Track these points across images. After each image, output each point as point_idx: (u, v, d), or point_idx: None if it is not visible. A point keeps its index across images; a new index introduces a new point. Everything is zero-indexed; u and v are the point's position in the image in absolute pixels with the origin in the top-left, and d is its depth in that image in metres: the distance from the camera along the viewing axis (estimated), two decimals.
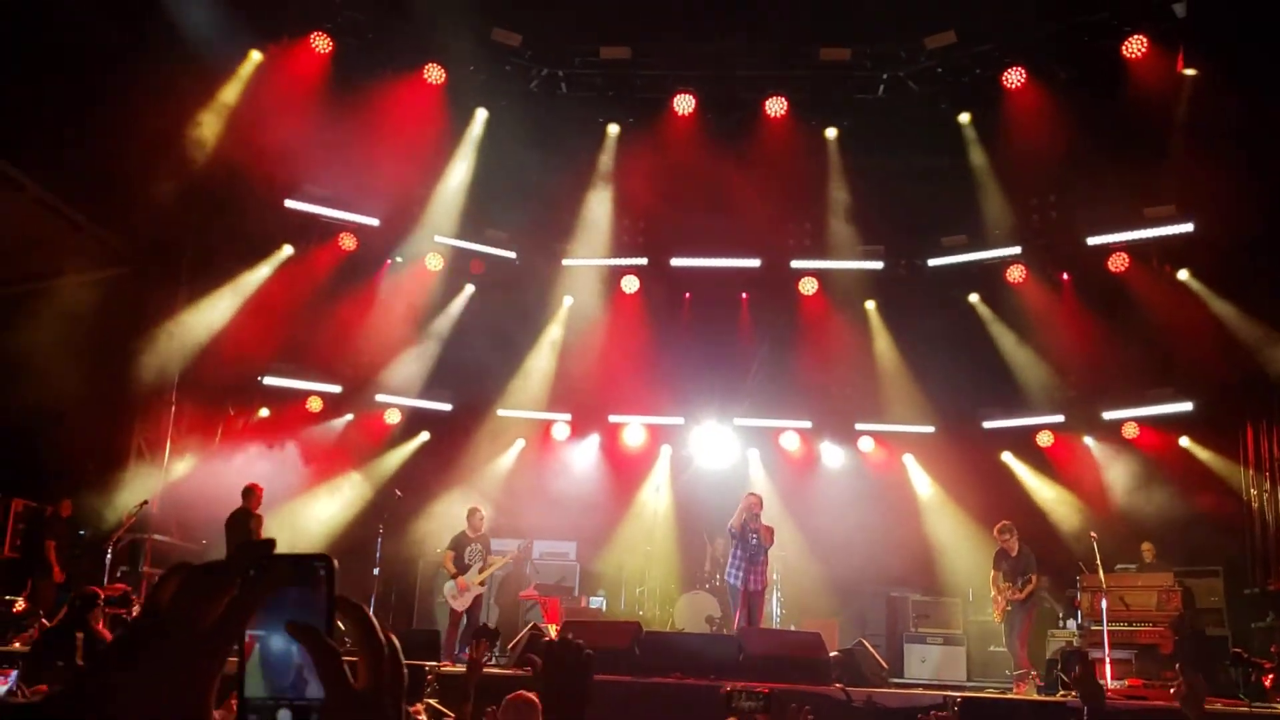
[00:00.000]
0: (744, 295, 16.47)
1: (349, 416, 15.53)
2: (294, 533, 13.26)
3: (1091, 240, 14.61)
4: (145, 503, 12.74)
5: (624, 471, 16.23)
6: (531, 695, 6.81)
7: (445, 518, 14.88)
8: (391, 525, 13.28)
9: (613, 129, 15.75)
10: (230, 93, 13.41)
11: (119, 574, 12.45)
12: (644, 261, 16.48)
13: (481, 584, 12.40)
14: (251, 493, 12.03)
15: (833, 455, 16.04)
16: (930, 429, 15.64)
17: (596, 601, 14.40)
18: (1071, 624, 12.68)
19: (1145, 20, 13.34)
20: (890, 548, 13.99)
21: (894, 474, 15.75)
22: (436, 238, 15.41)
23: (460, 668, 9.19)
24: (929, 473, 15.61)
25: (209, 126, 13.22)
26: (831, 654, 10.96)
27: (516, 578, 13.62)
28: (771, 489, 15.07)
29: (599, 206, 15.94)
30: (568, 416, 16.74)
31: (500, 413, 16.17)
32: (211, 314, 13.93)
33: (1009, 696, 10.70)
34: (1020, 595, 11.60)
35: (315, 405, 15.14)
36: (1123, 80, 13.68)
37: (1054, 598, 13.46)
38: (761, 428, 16.14)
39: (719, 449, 16.01)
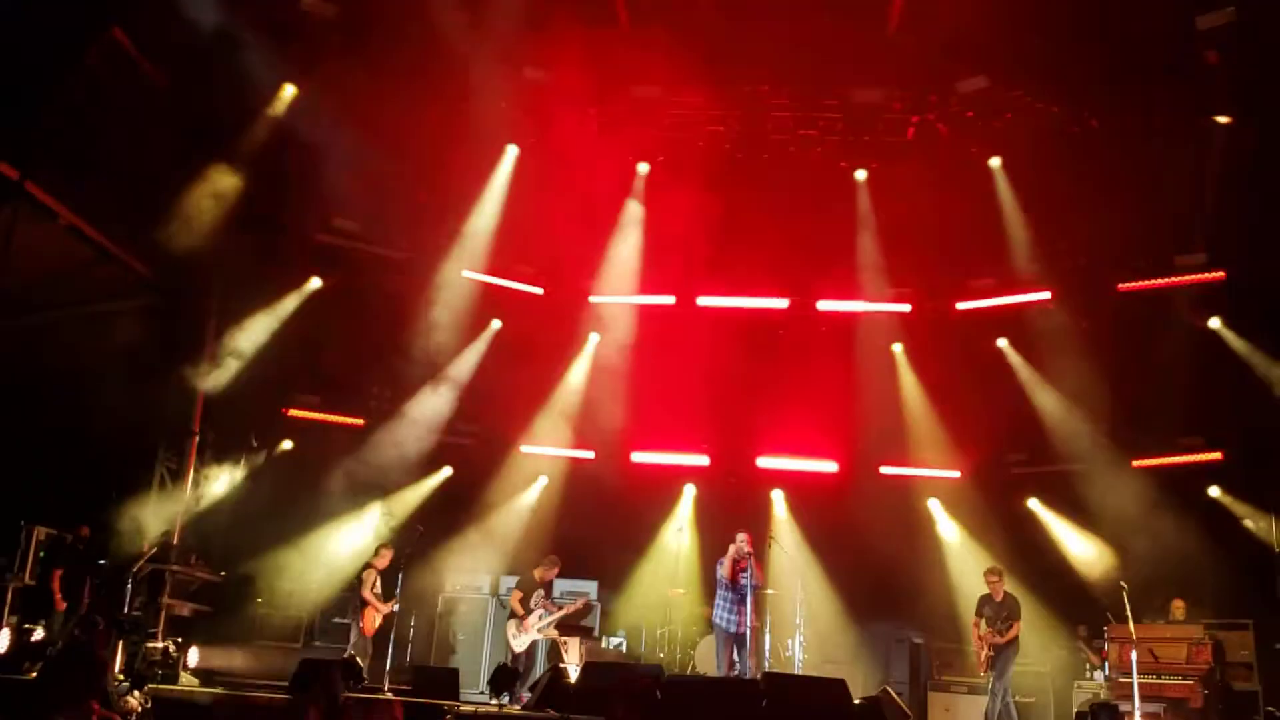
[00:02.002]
0: (772, 335, 16.39)
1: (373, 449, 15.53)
2: (318, 566, 13.19)
3: (1122, 286, 14.50)
4: (166, 533, 12.73)
5: (647, 511, 16.12)
6: None
7: (465, 553, 14.86)
8: (413, 560, 13.20)
9: (642, 167, 15.79)
10: (264, 124, 13.51)
11: (137, 604, 12.44)
12: (672, 300, 16.48)
13: (540, 631, 12.49)
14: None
15: (858, 498, 15.87)
16: (956, 473, 15.48)
17: (616, 642, 14.27)
18: (1099, 675, 12.48)
19: (1177, 67, 13.27)
20: (914, 593, 13.79)
21: (919, 518, 15.58)
22: (465, 272, 15.44)
23: (480, 707, 9.11)
24: (954, 517, 15.44)
25: (242, 158, 13.31)
26: (856, 702, 10.78)
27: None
28: (795, 531, 14.97)
29: (627, 244, 15.96)
30: (591, 454, 16.69)
31: (523, 449, 16.14)
32: (239, 344, 13.97)
33: None
34: (1003, 639, 11.33)
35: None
36: (1155, 126, 13.64)
37: (1088, 648, 13.27)
38: (786, 470, 16.00)
39: (743, 489, 15.89)
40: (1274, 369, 13.11)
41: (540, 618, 12.45)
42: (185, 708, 9.35)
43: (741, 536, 11.92)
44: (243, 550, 14.32)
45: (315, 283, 14.90)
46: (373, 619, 12.37)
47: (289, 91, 13.30)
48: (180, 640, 12.19)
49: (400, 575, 12.30)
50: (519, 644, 12.39)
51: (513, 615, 12.62)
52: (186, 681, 11.69)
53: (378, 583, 12.55)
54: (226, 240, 13.29)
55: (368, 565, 12.64)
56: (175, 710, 9.18)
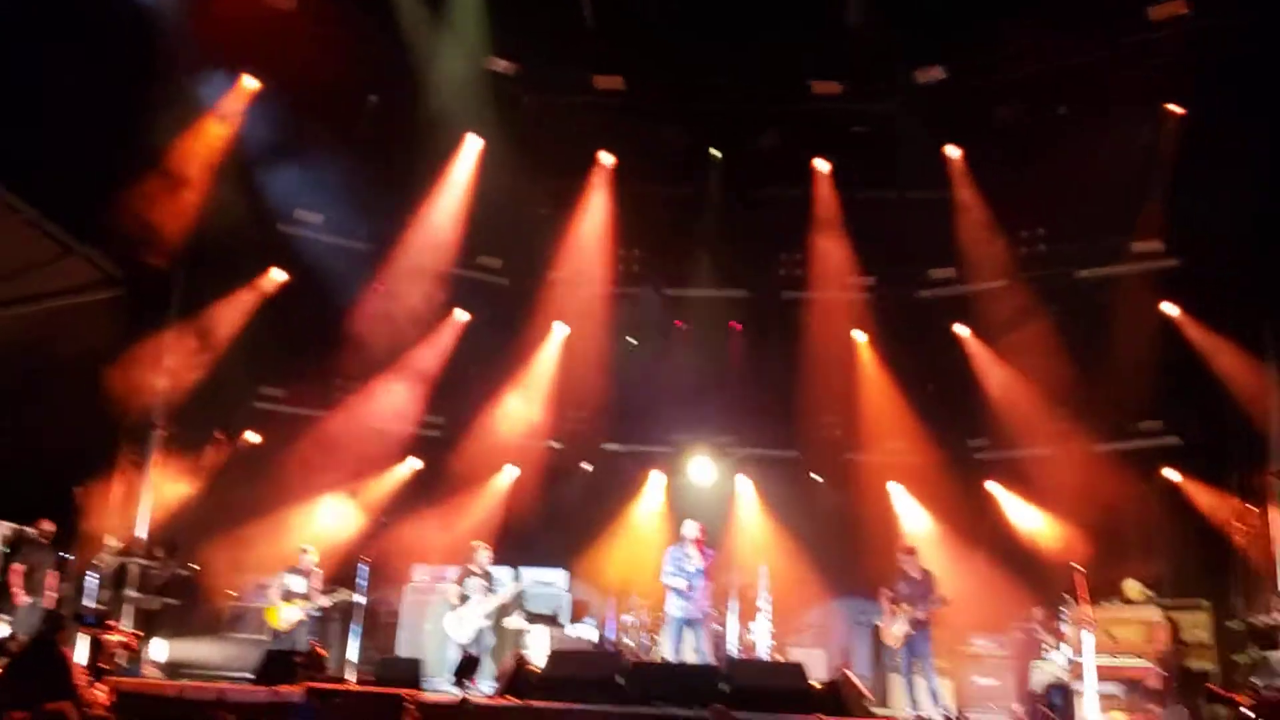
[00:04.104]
0: (736, 324, 16.50)
1: (336, 442, 15.54)
2: (280, 559, 13.20)
3: (1080, 273, 14.69)
4: (130, 526, 12.71)
5: (617, 499, 16.24)
6: None
7: (434, 545, 14.89)
8: (377, 551, 13.21)
9: (606, 158, 15.85)
10: (223, 117, 13.48)
11: (103, 598, 12.42)
12: (637, 290, 16.58)
13: (486, 618, 12.38)
14: None
15: (821, 483, 16.04)
16: (918, 458, 15.67)
17: (585, 630, 14.35)
18: (1058, 657, 12.65)
19: (1135, 59, 13.43)
20: (876, 576, 13.90)
21: (881, 503, 15.75)
22: (429, 264, 15.46)
23: (443, 696, 9.19)
24: (916, 501, 15.61)
25: (202, 150, 13.28)
26: (816, 684, 10.93)
27: (503, 607, 13.52)
28: (760, 517, 15.11)
29: (593, 234, 16.02)
30: (559, 444, 16.77)
31: (492, 439, 16.20)
32: (201, 337, 13.93)
33: None
34: (923, 616, 11.34)
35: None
36: (1113, 115, 13.81)
37: (1045, 629, 13.45)
38: (751, 456, 16.12)
39: (712, 476, 16.00)
40: (1228, 353, 13.26)
41: (478, 606, 12.34)
42: (148, 700, 9.38)
43: (690, 524, 12.00)
44: (210, 542, 14.28)
45: (278, 275, 14.88)
46: (276, 615, 12.41)
47: (249, 82, 13.25)
48: (141, 634, 12.19)
49: (364, 566, 12.29)
50: (461, 635, 12.29)
51: (453, 607, 12.49)
52: (150, 674, 11.70)
53: (295, 582, 12.52)
54: (188, 233, 13.27)
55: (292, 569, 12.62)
56: (138, 702, 9.21)
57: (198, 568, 14.03)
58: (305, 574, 12.58)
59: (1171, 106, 13.46)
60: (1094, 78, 13.85)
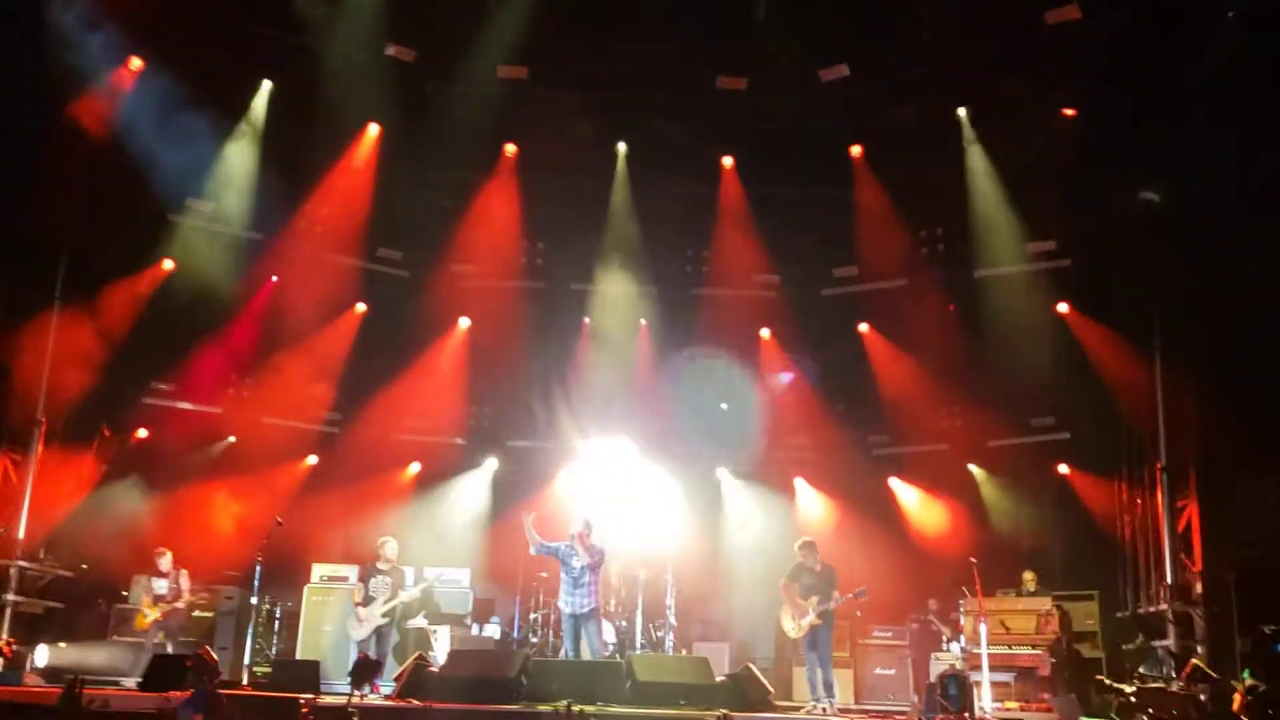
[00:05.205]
0: (643, 321, 16.47)
1: (231, 439, 15.12)
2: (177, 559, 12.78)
3: (978, 273, 15.00)
4: (8, 527, 12.19)
5: (521, 496, 16.06)
6: None
7: (333, 544, 14.58)
8: (275, 552, 12.84)
9: (510, 148, 15.67)
10: (110, 99, 12.97)
11: None
12: (543, 284, 16.45)
13: (384, 617, 12.11)
14: None
15: (727, 480, 16.13)
16: (821, 454, 15.85)
17: (490, 629, 14.18)
18: (954, 648, 12.92)
19: (1031, 62, 13.73)
20: (779, 570, 14.01)
21: (786, 498, 15.88)
22: (326, 254, 15.11)
23: (342, 700, 8.98)
24: (820, 496, 15.79)
25: (88, 132, 12.76)
26: (719, 679, 10.97)
27: (407, 607, 13.25)
28: (668, 512, 15.09)
29: (497, 227, 15.83)
30: (464, 440, 16.56)
31: (394, 435, 15.92)
32: (87, 329, 13.38)
33: None
34: (822, 607, 11.39)
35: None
36: (1011, 118, 14.11)
37: (941, 621, 13.71)
38: (660, 453, 16.09)
39: (618, 473, 15.92)
40: (1114, 350, 13.66)
41: (380, 605, 12.09)
42: (24, 710, 8.96)
43: (576, 518, 11.92)
44: (99, 543, 13.74)
45: (168, 266, 14.38)
46: (141, 618, 12.20)
47: (136, 64, 12.78)
48: (13, 641, 11.67)
49: (259, 568, 11.93)
50: (359, 634, 12.03)
51: (356, 605, 12.22)
52: (32, 682, 11.20)
53: (152, 584, 12.32)
54: (73, 222, 12.75)
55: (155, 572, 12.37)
56: (14, 713, 8.80)
57: (85, 566, 13.52)
58: (165, 576, 12.39)
59: (1065, 110, 13.76)
60: (991, 80, 14.13)
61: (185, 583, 12.48)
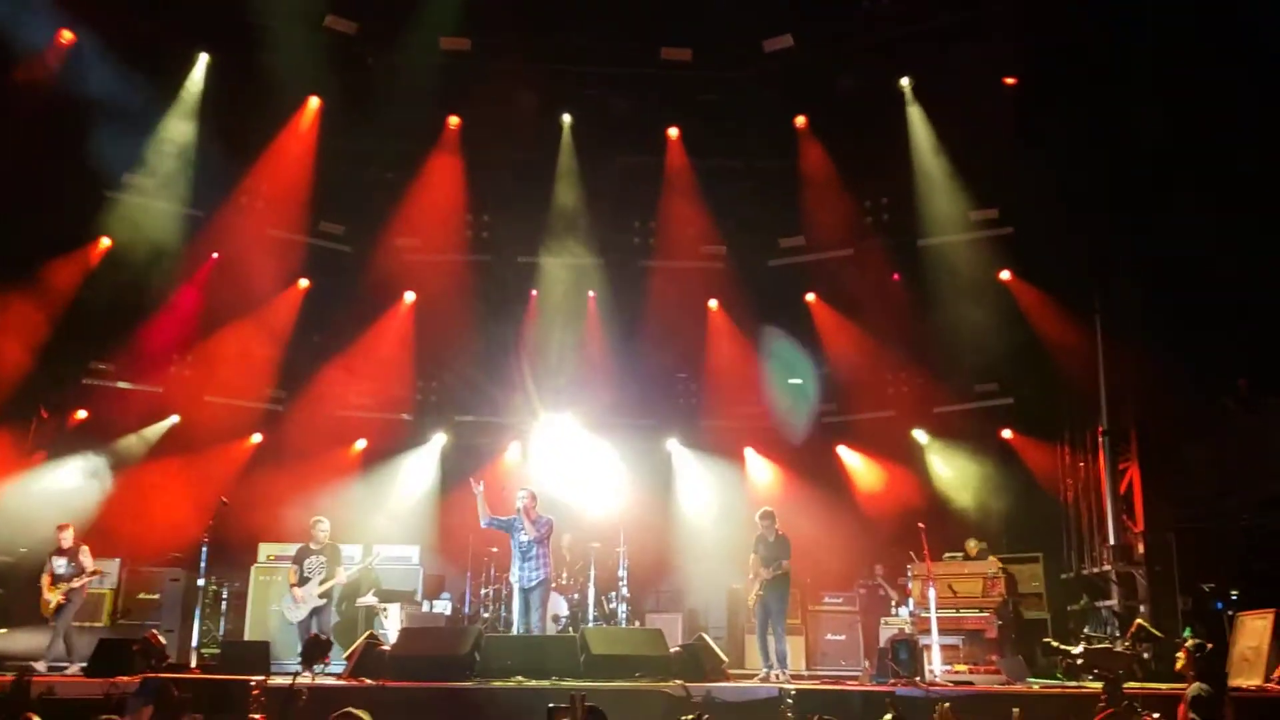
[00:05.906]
0: (591, 293, 16.41)
1: (174, 418, 14.86)
2: (114, 541, 12.55)
3: (922, 242, 15.11)
4: None
5: (470, 471, 15.95)
6: (360, 713, 6.62)
7: (280, 523, 14.38)
8: (220, 533, 12.66)
9: (453, 120, 15.47)
10: (42, 73, 12.59)
11: None
12: (489, 257, 16.30)
13: (321, 597, 12.00)
14: None
15: (678, 451, 16.18)
16: (771, 424, 15.95)
17: (441, 605, 14.11)
18: (903, 612, 13.10)
19: (973, 32, 13.79)
20: (730, 540, 14.12)
21: (736, 467, 15.97)
22: (266, 230, 14.84)
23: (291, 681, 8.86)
24: (769, 465, 15.91)
25: (19, 108, 12.39)
26: (673, 650, 11.03)
27: (354, 585, 13.16)
28: (620, 485, 15.11)
29: (441, 200, 15.63)
30: (411, 416, 16.42)
31: (339, 412, 15.74)
32: (22, 308, 13.03)
33: (842, 686, 10.94)
34: (769, 575, 11.51)
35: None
36: (952, 88, 14.18)
37: (889, 585, 13.90)
38: (611, 425, 16.09)
39: (569, 446, 15.89)
40: (1054, 316, 13.87)
41: (315, 586, 12.00)
42: None
43: (521, 492, 11.94)
44: (40, 526, 13.44)
45: (105, 243, 14.03)
46: (45, 602, 11.76)
47: (67, 37, 12.40)
48: None
49: (205, 549, 11.75)
50: (295, 615, 11.93)
51: (291, 586, 12.10)
52: None
53: (52, 562, 11.86)
54: (5, 200, 12.38)
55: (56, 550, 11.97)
56: None
57: (24, 550, 13.21)
58: (66, 554, 11.87)
59: (1006, 79, 13.86)
60: (933, 49, 14.19)
61: (87, 560, 11.86)
